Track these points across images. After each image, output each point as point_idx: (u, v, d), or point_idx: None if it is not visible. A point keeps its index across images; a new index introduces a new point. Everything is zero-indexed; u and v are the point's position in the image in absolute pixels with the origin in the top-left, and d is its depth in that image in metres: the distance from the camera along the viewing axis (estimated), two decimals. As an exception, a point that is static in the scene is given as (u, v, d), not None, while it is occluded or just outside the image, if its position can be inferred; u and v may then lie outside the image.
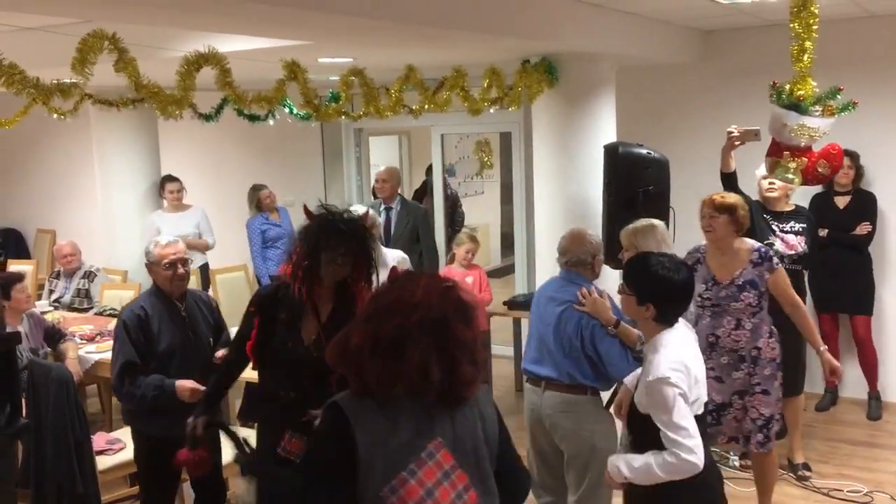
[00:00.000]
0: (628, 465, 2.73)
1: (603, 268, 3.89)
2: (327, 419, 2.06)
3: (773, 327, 4.16)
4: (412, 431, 2.02)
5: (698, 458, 2.61)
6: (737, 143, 4.63)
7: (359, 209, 4.04)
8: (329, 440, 2.05)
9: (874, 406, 5.89)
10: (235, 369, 3.35)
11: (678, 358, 2.68)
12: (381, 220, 6.36)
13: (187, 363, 3.71)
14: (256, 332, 3.16)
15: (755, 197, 4.99)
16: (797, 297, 4.14)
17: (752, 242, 4.15)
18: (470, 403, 2.12)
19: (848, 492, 4.74)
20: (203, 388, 3.56)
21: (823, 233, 5.53)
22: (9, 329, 4.23)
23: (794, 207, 5.06)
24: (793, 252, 4.81)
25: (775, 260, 4.10)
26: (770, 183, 4.84)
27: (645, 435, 2.72)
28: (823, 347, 4.09)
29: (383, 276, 3.71)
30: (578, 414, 3.64)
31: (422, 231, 6.34)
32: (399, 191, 6.59)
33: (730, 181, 4.78)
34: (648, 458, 2.67)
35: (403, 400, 2.02)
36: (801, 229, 4.91)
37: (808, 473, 4.94)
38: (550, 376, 3.67)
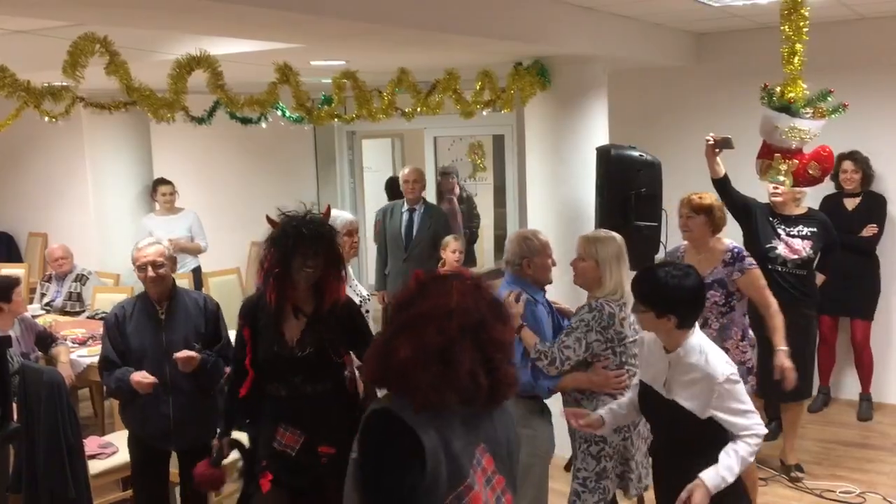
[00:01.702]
0: (730, 469, 2.74)
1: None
2: (383, 429, 1.95)
3: (747, 331, 4.17)
4: (464, 437, 1.98)
5: (762, 432, 2.80)
6: (716, 150, 4.65)
7: (344, 216, 4.04)
8: (392, 450, 1.93)
9: (864, 407, 5.91)
10: (240, 387, 3.31)
11: (714, 349, 2.86)
12: (404, 220, 6.30)
13: (159, 365, 3.73)
14: (249, 343, 3.25)
15: (765, 200, 4.97)
16: (770, 298, 4.13)
17: (727, 242, 4.19)
18: (504, 406, 2.10)
19: (840, 492, 4.76)
20: (155, 380, 3.67)
21: None
22: (-1, 333, 4.21)
23: (806, 211, 4.99)
24: (796, 256, 4.77)
25: (748, 261, 4.11)
26: (775, 187, 4.79)
27: (703, 438, 2.80)
28: (782, 348, 4.10)
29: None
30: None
31: (444, 237, 6.11)
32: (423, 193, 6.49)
33: (721, 186, 4.79)
34: (737, 452, 2.75)
35: (453, 406, 1.96)
36: (809, 234, 4.84)
37: (800, 475, 4.95)
38: None
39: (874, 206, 5.77)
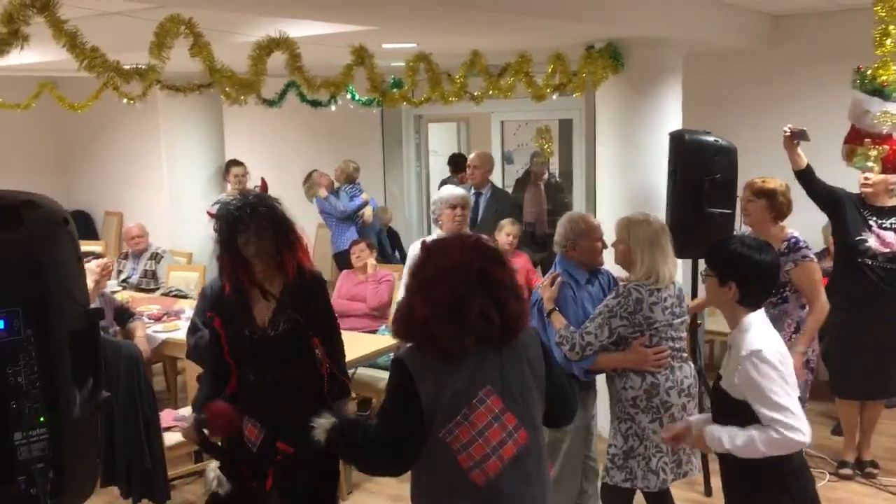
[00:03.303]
0: (731, 438, 2.64)
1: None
2: (395, 374, 2.38)
3: (803, 324, 4.06)
4: (467, 381, 2.31)
5: (804, 435, 2.54)
6: (794, 141, 4.50)
7: (452, 190, 4.45)
8: (397, 393, 2.38)
9: None
10: (222, 380, 3.22)
11: (768, 338, 2.63)
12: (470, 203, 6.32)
13: None
14: (223, 333, 3.15)
15: (851, 188, 4.76)
16: (822, 297, 4.00)
17: (789, 232, 4.07)
18: (518, 350, 2.39)
19: (918, 491, 4.62)
20: None
21: None
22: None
23: None
24: (888, 250, 4.54)
25: (803, 253, 3.98)
26: (866, 178, 4.58)
27: (747, 424, 2.62)
28: (800, 349, 3.99)
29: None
30: None
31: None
32: (490, 177, 6.49)
33: (805, 177, 4.61)
34: (752, 433, 2.59)
35: (467, 353, 2.31)
36: None
37: (874, 471, 4.81)
38: None
39: None
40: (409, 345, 2.39)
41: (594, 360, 3.51)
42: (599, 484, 3.79)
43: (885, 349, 4.24)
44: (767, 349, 2.58)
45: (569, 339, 3.48)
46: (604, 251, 3.74)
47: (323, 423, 2.56)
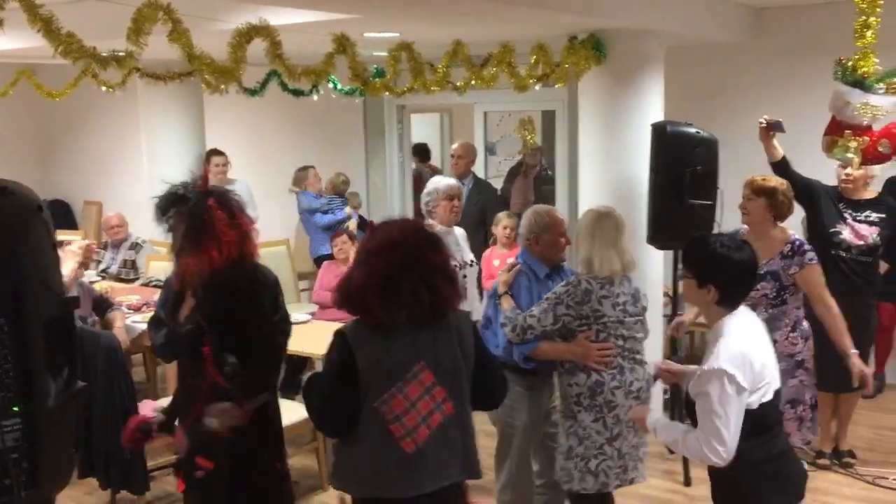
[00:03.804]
0: (663, 426, 2.77)
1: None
2: (336, 345, 2.59)
3: (800, 323, 4.04)
4: (401, 356, 2.53)
5: (721, 457, 2.52)
6: (770, 132, 4.51)
7: (445, 181, 4.46)
8: (337, 362, 2.57)
9: None
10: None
11: (738, 349, 2.54)
12: None
13: None
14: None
15: (829, 180, 4.79)
16: (828, 298, 3.97)
17: (790, 234, 4.03)
18: (451, 329, 2.61)
19: (893, 479, 4.66)
20: None
21: None
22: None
23: (875, 196, 4.76)
24: (861, 243, 4.57)
25: (809, 256, 3.95)
26: (847, 174, 4.57)
27: None
28: (853, 352, 3.90)
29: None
30: None
31: (490, 212, 6.06)
32: (472, 168, 6.46)
33: (780, 169, 4.62)
34: (681, 426, 2.69)
35: (400, 328, 2.52)
36: (877, 219, 4.62)
37: (852, 461, 4.86)
38: None
39: None
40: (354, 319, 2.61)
41: (535, 346, 3.46)
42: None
43: (856, 341, 4.26)
44: (732, 366, 2.50)
45: (513, 320, 3.45)
46: (567, 247, 3.72)
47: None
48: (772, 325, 3.92)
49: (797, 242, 3.98)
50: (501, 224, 5.60)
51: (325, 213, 7.14)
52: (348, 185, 7.57)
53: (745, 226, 4.15)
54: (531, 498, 3.83)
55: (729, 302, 2.65)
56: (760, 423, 2.59)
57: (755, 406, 2.57)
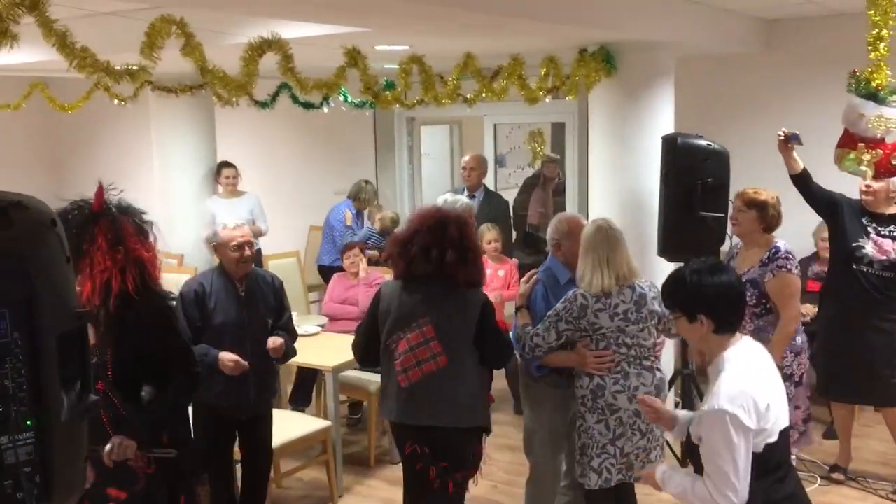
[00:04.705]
0: (670, 476, 2.60)
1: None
2: (375, 294, 3.44)
3: (792, 336, 4.01)
4: (410, 308, 3.26)
5: (734, 501, 2.39)
6: (789, 144, 4.48)
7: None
8: (370, 307, 3.44)
9: None
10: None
11: (740, 387, 2.40)
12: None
13: (239, 341, 3.79)
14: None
15: (850, 192, 4.68)
16: (792, 310, 3.96)
17: (774, 241, 4.04)
18: (461, 299, 3.27)
19: (908, 494, 4.62)
20: (247, 365, 3.68)
21: None
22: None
23: None
24: (884, 258, 4.46)
25: (781, 264, 3.94)
26: (867, 186, 4.50)
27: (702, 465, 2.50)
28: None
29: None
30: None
31: (501, 225, 6.04)
32: (484, 180, 6.47)
33: (801, 182, 4.55)
34: (686, 481, 2.52)
35: (417, 287, 3.25)
36: None
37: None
38: None
39: None
40: None
41: (542, 358, 3.64)
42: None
43: (874, 356, 4.23)
44: (734, 406, 2.36)
45: (521, 338, 3.59)
46: None
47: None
48: (758, 336, 3.87)
49: (774, 249, 4.01)
50: (485, 239, 5.57)
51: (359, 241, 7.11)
52: (398, 225, 7.41)
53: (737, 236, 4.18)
54: (551, 496, 3.92)
55: (725, 328, 2.51)
56: (763, 466, 2.44)
57: (760, 449, 2.42)
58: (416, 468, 3.28)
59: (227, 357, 3.69)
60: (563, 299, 3.54)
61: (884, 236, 4.52)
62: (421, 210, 3.41)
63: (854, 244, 4.53)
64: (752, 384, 2.42)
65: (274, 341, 3.85)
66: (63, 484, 1.75)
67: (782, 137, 4.46)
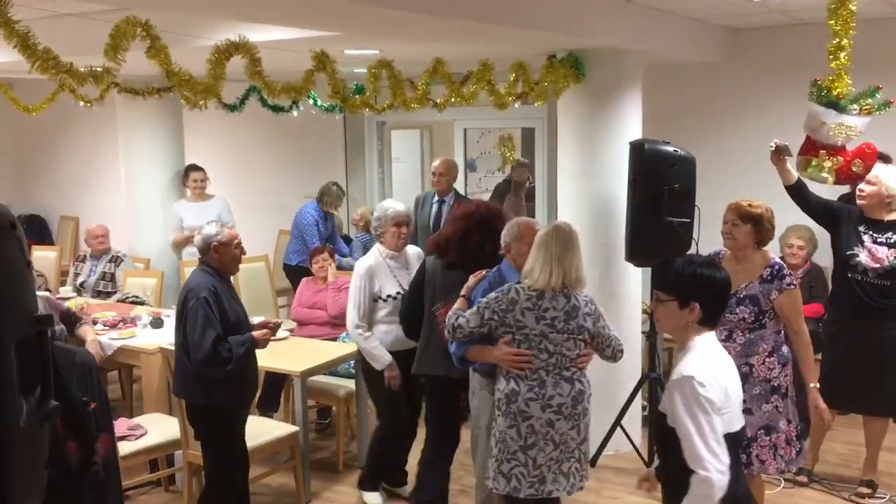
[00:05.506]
0: None
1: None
2: (420, 268, 4.27)
3: (780, 348, 3.95)
4: (451, 283, 3.95)
5: (717, 470, 2.40)
6: (780, 156, 4.48)
7: (394, 207, 4.61)
8: (416, 278, 4.25)
9: None
10: None
11: (704, 364, 2.50)
12: (433, 211, 6.29)
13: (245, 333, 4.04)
14: None
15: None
16: (801, 325, 3.93)
17: (770, 257, 3.98)
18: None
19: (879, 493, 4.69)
20: (274, 321, 4.21)
21: None
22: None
23: None
24: (878, 266, 4.45)
25: (788, 280, 3.88)
26: (860, 190, 4.50)
27: (672, 458, 2.50)
28: (813, 385, 3.92)
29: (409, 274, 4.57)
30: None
31: None
32: (454, 185, 6.44)
33: (796, 192, 4.54)
34: None
35: (457, 269, 3.97)
36: None
37: (866, 490, 4.73)
38: None
39: None
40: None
41: (467, 347, 3.64)
42: None
43: (874, 366, 4.24)
44: (700, 374, 2.45)
45: (449, 318, 3.62)
46: None
47: None
48: (749, 349, 3.89)
49: (777, 266, 3.91)
50: None
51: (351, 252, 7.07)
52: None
53: (725, 248, 4.10)
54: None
55: (709, 320, 2.62)
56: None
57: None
58: (459, 406, 4.22)
59: (258, 334, 3.99)
60: (497, 290, 3.55)
61: (880, 243, 4.48)
62: (459, 211, 4.14)
63: (848, 252, 4.51)
64: (714, 365, 2.54)
65: (275, 320, 4.27)
66: (21, 490, 1.73)
67: (773, 148, 4.43)
